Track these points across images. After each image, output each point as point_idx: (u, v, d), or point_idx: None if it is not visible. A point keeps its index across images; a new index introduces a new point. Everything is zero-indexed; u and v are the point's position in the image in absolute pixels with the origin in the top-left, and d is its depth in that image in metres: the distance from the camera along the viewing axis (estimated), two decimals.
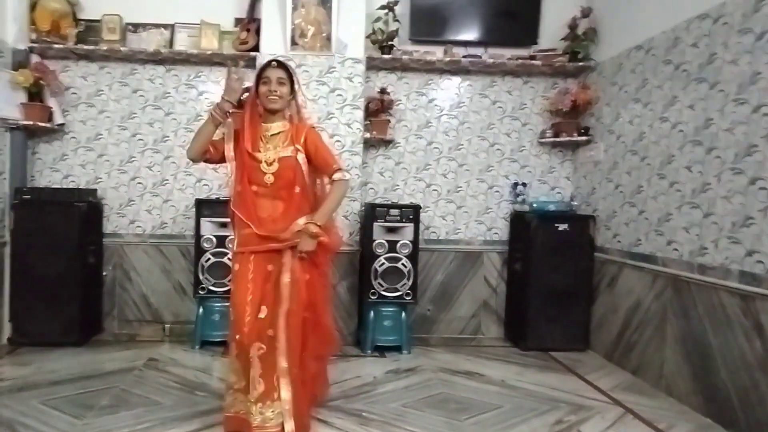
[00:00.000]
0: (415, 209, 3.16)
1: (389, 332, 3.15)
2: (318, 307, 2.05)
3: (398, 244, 3.10)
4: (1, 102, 3.03)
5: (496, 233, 3.57)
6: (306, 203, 2.01)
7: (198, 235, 3.12)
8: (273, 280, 1.94)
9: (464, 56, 3.38)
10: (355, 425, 2.18)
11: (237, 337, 1.93)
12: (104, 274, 3.37)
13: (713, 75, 2.38)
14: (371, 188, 3.53)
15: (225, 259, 3.04)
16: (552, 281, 3.20)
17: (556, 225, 3.23)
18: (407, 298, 3.11)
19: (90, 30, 3.29)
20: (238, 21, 3.35)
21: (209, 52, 3.25)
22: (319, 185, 2.12)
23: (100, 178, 3.39)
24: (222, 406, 2.08)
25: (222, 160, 2.02)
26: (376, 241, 3.10)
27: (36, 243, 3.03)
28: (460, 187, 3.56)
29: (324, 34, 3.20)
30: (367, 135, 3.34)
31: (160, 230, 3.42)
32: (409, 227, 3.12)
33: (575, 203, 3.48)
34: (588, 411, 2.37)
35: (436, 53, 3.39)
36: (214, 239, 3.09)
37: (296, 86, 2.03)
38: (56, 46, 3.18)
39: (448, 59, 3.36)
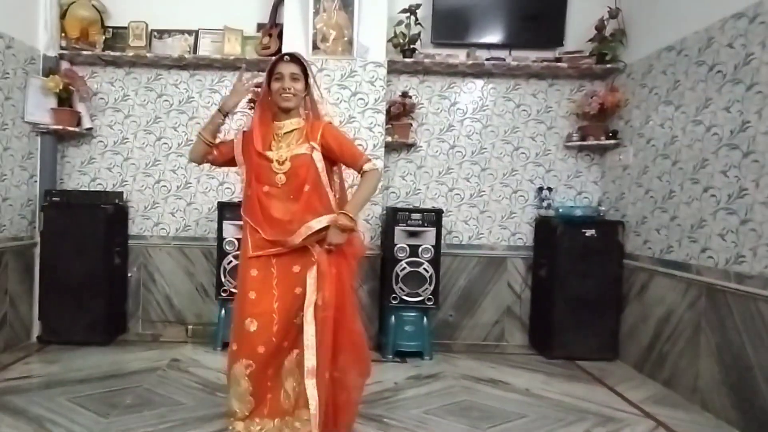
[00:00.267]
0: (437, 213, 3.12)
1: (411, 338, 3.11)
2: (346, 308, 1.86)
3: (420, 249, 3.06)
4: (32, 107, 3.12)
5: (521, 238, 3.50)
6: (319, 203, 1.85)
7: (220, 238, 3.14)
8: (302, 281, 1.82)
9: (487, 59, 3.33)
10: (376, 431, 2.14)
11: (261, 350, 1.79)
12: (129, 275, 3.42)
13: (750, 76, 2.29)
14: (393, 192, 3.50)
15: None
16: (579, 288, 3.11)
17: (583, 230, 3.14)
18: (429, 303, 3.07)
19: (117, 37, 3.36)
20: (260, 26, 3.38)
21: (232, 57, 3.28)
22: (338, 185, 1.99)
23: (126, 181, 3.45)
24: None
25: (226, 162, 1.95)
26: (398, 246, 3.06)
27: (64, 244, 3.09)
28: (484, 191, 3.51)
29: (346, 38, 3.20)
30: (389, 139, 3.32)
31: (184, 232, 3.46)
32: (431, 231, 3.08)
33: (603, 208, 3.39)
34: (617, 423, 2.29)
35: (459, 56, 3.35)
36: (236, 242, 3.10)
37: (311, 80, 1.89)
38: (85, 52, 3.26)
39: (470, 62, 3.32)
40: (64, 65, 3.30)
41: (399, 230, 3.08)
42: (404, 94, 3.32)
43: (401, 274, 3.04)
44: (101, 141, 3.44)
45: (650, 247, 2.94)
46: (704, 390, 2.48)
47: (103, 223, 3.13)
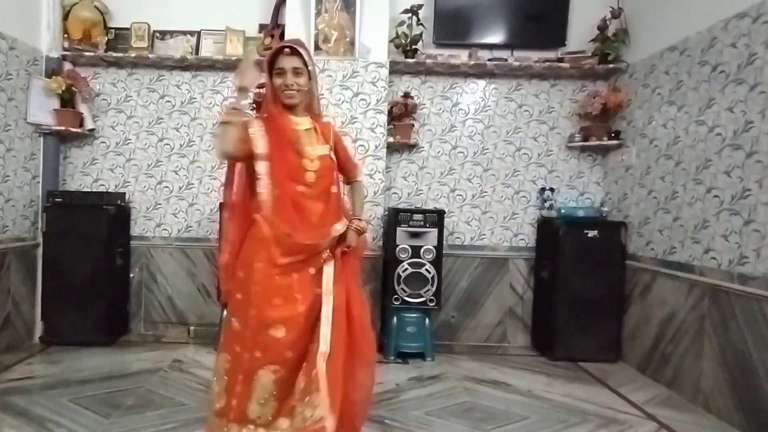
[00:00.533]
0: (439, 214, 3.12)
1: (412, 338, 3.11)
2: (358, 306, 1.84)
3: (422, 250, 3.05)
4: (35, 108, 3.13)
5: (523, 239, 3.49)
6: (339, 205, 1.85)
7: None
8: (319, 282, 1.78)
9: (489, 59, 3.33)
10: None
11: (289, 354, 1.71)
12: (131, 276, 3.43)
13: (753, 76, 2.28)
14: (395, 193, 3.50)
15: None
16: (581, 289, 3.10)
17: (586, 231, 3.14)
18: (431, 304, 3.06)
19: (119, 38, 3.37)
20: (262, 27, 3.38)
21: (234, 58, 3.28)
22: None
23: (128, 182, 3.46)
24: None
25: (244, 157, 1.75)
26: (400, 246, 3.06)
27: (67, 245, 3.10)
28: (486, 192, 3.50)
29: (347, 39, 3.20)
30: (391, 139, 3.32)
31: (186, 233, 3.46)
32: (433, 232, 3.08)
33: (605, 209, 3.38)
34: (620, 425, 2.28)
35: (461, 56, 3.35)
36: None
37: (310, 68, 1.76)
38: (87, 53, 3.26)
39: (472, 62, 3.31)
40: (67, 66, 3.31)
41: (401, 231, 3.07)
42: (406, 95, 3.32)
43: (403, 275, 3.04)
44: (103, 142, 3.45)
45: (653, 248, 2.93)
46: (707, 392, 2.46)
47: (105, 224, 3.13)
